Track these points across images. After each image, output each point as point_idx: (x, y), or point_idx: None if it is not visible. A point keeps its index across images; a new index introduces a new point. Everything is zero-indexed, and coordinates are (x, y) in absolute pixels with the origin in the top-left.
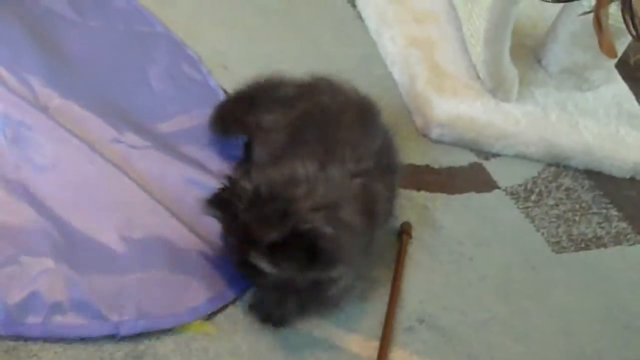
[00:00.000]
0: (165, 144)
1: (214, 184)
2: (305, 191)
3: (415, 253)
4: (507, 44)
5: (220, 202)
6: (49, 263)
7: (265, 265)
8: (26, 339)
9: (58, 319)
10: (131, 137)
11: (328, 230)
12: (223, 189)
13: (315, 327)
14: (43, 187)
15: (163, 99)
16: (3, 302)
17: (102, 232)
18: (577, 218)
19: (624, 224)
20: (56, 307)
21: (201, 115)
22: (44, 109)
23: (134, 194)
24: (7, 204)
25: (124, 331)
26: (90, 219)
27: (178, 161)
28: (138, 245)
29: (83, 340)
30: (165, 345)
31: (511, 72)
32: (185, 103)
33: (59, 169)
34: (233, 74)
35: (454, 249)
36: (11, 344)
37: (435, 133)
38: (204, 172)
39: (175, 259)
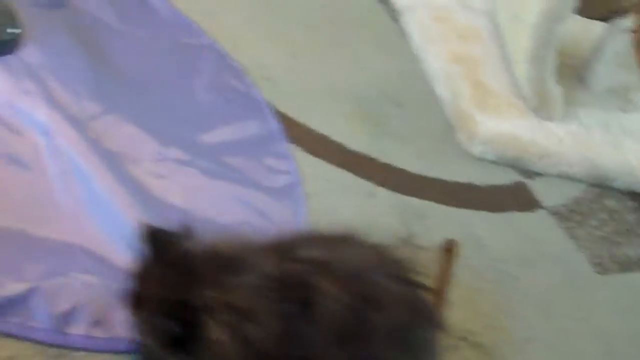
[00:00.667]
0: (209, 157)
1: (257, 198)
2: (240, 284)
3: (459, 271)
4: (552, 63)
5: (158, 240)
6: (93, 279)
7: (139, 324)
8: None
9: (100, 332)
10: (175, 152)
11: (222, 335)
12: (173, 234)
13: None
14: (86, 209)
15: (207, 110)
16: (49, 312)
17: None
18: (620, 239)
19: None
20: (99, 321)
21: (244, 126)
22: (87, 122)
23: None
24: (56, 220)
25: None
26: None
27: (221, 176)
28: None
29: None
30: None
31: (555, 91)
32: (229, 114)
33: (97, 198)
34: (276, 87)
35: (497, 267)
36: (56, 351)
37: (478, 150)
38: (247, 186)
39: None
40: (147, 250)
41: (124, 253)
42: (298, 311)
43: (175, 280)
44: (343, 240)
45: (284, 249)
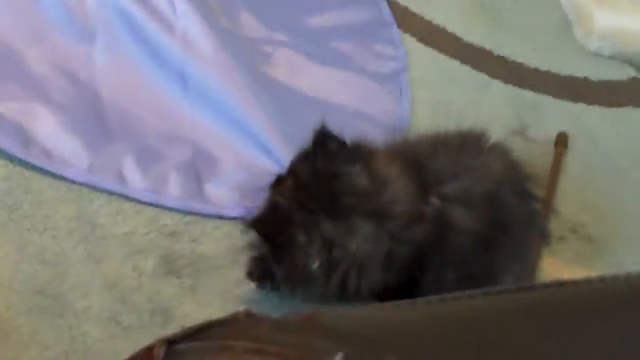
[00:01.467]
0: (317, 41)
1: (361, 83)
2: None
3: (570, 164)
4: None
5: (325, 145)
6: (186, 155)
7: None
8: (189, 222)
9: (195, 197)
10: (280, 35)
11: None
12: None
13: None
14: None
15: None
16: (141, 174)
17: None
18: None
19: None
20: (193, 189)
21: (354, 11)
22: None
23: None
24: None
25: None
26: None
27: (327, 61)
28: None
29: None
30: None
31: None
32: None
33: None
34: None
35: (609, 161)
36: (170, 228)
37: (594, 46)
38: (354, 72)
39: None
40: (311, 150)
41: (224, 135)
42: (425, 249)
43: (315, 193)
44: (470, 148)
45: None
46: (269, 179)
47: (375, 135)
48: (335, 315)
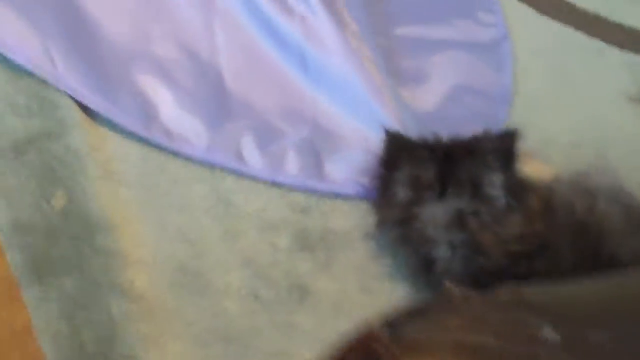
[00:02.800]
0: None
1: (465, 57)
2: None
3: None
4: None
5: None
6: (306, 132)
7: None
8: (319, 198)
9: (313, 176)
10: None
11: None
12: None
13: None
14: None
15: None
16: (260, 152)
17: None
18: None
19: None
20: (312, 167)
21: None
22: None
23: None
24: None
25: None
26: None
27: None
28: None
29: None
30: None
31: None
32: None
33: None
34: None
35: None
36: (302, 205)
37: None
38: (456, 46)
39: None
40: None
41: (344, 114)
42: None
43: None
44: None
45: None
46: None
47: (484, 109)
48: (538, 292)
